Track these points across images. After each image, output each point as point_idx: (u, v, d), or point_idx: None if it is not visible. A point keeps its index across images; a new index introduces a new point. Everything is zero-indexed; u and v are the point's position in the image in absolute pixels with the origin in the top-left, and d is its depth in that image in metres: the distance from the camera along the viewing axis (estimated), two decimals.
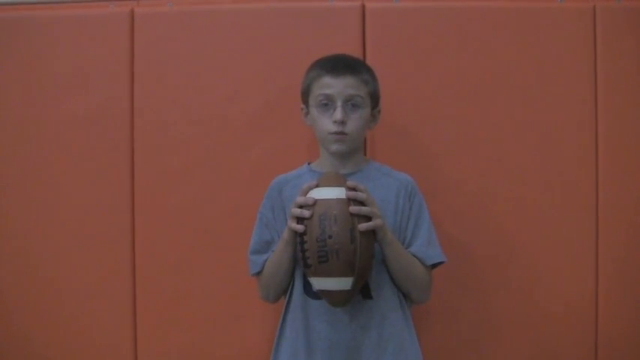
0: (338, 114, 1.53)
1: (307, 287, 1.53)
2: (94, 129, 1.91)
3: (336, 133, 1.54)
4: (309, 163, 1.68)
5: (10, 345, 1.93)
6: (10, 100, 1.93)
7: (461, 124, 1.86)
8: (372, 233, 1.44)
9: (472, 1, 1.89)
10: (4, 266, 1.93)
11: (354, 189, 1.44)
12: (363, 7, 1.88)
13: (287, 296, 1.60)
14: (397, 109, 1.84)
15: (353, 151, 1.61)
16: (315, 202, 1.43)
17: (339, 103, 1.54)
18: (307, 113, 1.63)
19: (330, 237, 1.39)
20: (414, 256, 1.55)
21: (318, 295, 1.49)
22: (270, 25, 1.91)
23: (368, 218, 1.43)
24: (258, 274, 1.61)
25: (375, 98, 1.62)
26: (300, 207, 1.44)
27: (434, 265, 1.58)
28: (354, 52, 1.78)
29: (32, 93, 1.92)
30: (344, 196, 1.42)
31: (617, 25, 1.84)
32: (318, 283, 1.44)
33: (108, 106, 1.91)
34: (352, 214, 1.41)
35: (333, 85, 1.55)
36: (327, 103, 1.56)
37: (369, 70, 1.63)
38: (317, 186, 1.46)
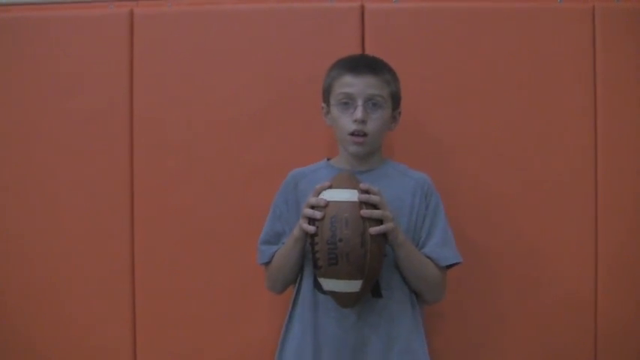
0: (358, 113, 1.52)
1: (317, 283, 1.51)
2: (94, 129, 1.91)
3: (355, 133, 1.53)
4: (327, 159, 1.68)
5: (10, 345, 1.93)
6: (10, 100, 1.93)
7: (460, 124, 1.87)
8: (384, 236, 1.43)
9: (471, 2, 1.89)
10: (3, 266, 1.93)
11: (367, 191, 1.43)
12: (363, 7, 1.88)
13: (295, 291, 1.59)
14: None
15: (371, 152, 1.60)
16: (327, 203, 1.42)
17: (359, 102, 1.53)
18: (328, 112, 1.62)
19: (340, 240, 1.38)
20: (428, 256, 1.54)
21: (327, 293, 1.49)
22: (270, 26, 1.91)
23: (380, 221, 1.41)
24: (266, 264, 1.61)
25: (396, 99, 1.61)
26: (313, 207, 1.43)
27: (449, 266, 1.57)
28: (354, 52, 1.78)
29: (32, 93, 1.92)
30: (356, 199, 1.41)
31: (616, 26, 1.84)
32: (327, 284, 1.43)
33: (107, 106, 1.91)
34: (364, 218, 1.40)
35: (355, 84, 1.54)
36: (348, 102, 1.55)
37: (390, 70, 1.62)
38: (330, 187, 1.45)
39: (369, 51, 1.84)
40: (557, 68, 1.85)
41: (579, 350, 1.84)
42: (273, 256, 1.59)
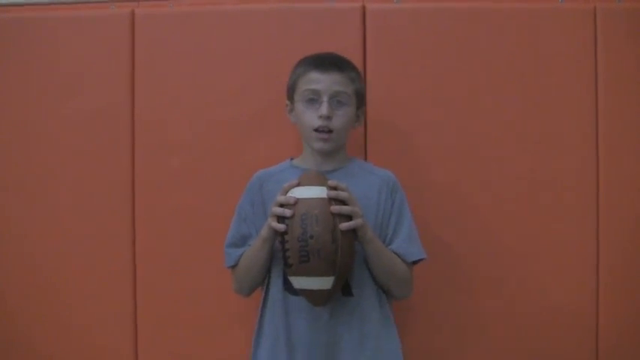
0: (324, 109, 1.54)
1: (287, 284, 1.52)
2: (95, 130, 1.91)
3: (321, 129, 1.55)
4: (291, 159, 1.69)
5: (11, 345, 1.93)
6: (11, 100, 1.94)
7: (461, 125, 1.86)
8: (353, 232, 1.44)
9: (472, 2, 1.88)
10: (4, 267, 1.94)
11: (335, 188, 1.44)
12: (364, 8, 1.87)
13: (264, 293, 1.60)
14: (397, 110, 1.85)
15: (336, 149, 1.61)
16: (297, 201, 1.42)
17: (325, 99, 1.55)
18: (292, 110, 1.64)
19: (311, 237, 1.38)
20: (395, 252, 1.55)
21: (298, 291, 1.49)
22: (271, 26, 1.91)
23: (349, 217, 1.42)
24: (233, 267, 1.62)
25: (360, 97, 1.63)
26: (281, 206, 1.44)
27: (415, 262, 1.58)
28: (355, 53, 1.78)
29: (33, 94, 1.93)
30: (325, 196, 1.42)
31: (618, 26, 1.83)
32: (299, 282, 1.44)
33: (108, 107, 1.91)
34: (333, 214, 1.41)
35: (320, 81, 1.56)
36: (313, 98, 1.56)
37: (355, 69, 1.64)
38: (298, 185, 1.46)
39: (371, 51, 1.85)
40: (558, 69, 1.84)
41: (580, 357, 1.84)
42: (239, 259, 1.59)
